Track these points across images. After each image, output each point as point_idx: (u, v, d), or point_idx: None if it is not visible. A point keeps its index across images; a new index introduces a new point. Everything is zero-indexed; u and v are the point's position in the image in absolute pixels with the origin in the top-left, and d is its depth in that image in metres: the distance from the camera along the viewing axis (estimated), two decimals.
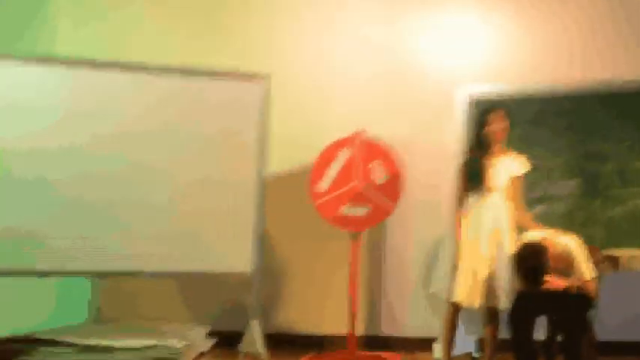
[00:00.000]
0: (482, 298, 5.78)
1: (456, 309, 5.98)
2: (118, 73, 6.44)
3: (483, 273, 5.78)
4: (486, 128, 5.88)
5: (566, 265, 5.52)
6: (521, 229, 5.92)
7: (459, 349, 6.34)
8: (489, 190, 5.84)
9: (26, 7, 7.17)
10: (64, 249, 6.19)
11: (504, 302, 5.75)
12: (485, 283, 5.77)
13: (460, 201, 5.96)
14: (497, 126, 5.86)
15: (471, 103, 6.63)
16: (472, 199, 5.89)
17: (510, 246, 5.72)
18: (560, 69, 6.95)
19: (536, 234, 5.63)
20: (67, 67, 6.38)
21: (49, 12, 7.33)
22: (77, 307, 7.17)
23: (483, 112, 5.99)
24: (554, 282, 5.40)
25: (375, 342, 7.07)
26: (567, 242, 5.58)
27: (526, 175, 6.00)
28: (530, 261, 5.36)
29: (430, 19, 7.38)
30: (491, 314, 5.90)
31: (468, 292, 5.79)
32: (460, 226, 5.92)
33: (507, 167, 5.92)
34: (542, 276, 5.33)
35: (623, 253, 6.30)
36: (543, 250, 5.37)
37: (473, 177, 5.88)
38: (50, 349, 6.10)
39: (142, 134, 6.39)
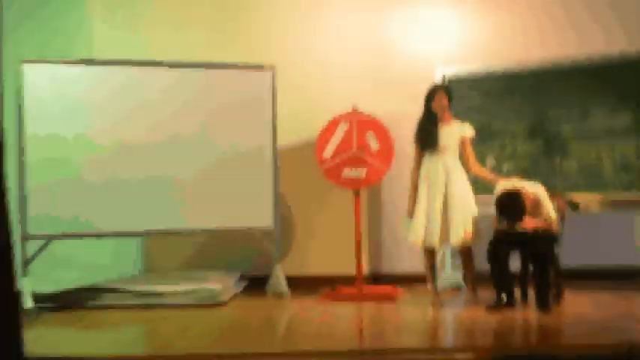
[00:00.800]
0: (434, 238, 6.00)
1: (430, 252, 6.20)
2: (153, 70, 6.49)
3: (435, 219, 5.98)
4: (433, 103, 6.08)
5: (535, 208, 5.65)
6: (484, 180, 6.18)
7: (446, 283, 6.41)
8: (440, 150, 6.02)
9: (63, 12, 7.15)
10: (119, 214, 6.34)
11: (460, 240, 5.98)
12: (435, 227, 5.98)
13: (417, 160, 6.17)
14: (440, 101, 6.07)
15: (445, 82, 6.72)
16: (426, 158, 6.09)
17: (458, 195, 5.99)
18: (524, 49, 6.90)
19: (510, 183, 5.77)
20: (108, 67, 6.43)
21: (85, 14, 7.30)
22: (131, 262, 7.26)
23: (430, 90, 6.17)
24: (526, 223, 5.58)
25: (377, 279, 7.16)
26: (535, 189, 5.74)
27: (497, 137, 6.10)
28: (512, 203, 5.54)
29: (409, 11, 7.30)
30: (461, 252, 6.13)
31: (426, 235, 6.02)
32: (416, 181, 6.15)
33: (454, 132, 6.11)
34: (522, 216, 5.53)
35: (579, 197, 6.34)
36: (521, 195, 5.54)
37: (425, 140, 6.09)
38: (112, 295, 6.23)
39: (178, 118, 6.49)
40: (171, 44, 7.04)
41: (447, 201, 5.99)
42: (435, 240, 5.99)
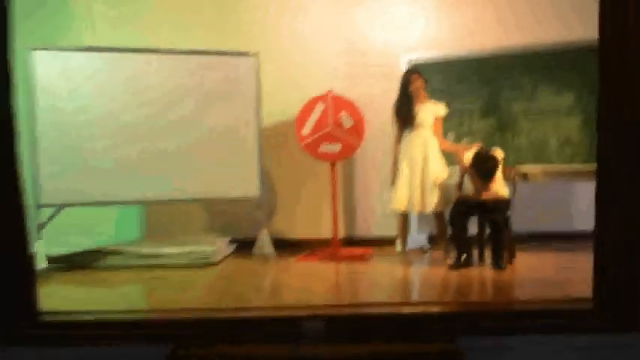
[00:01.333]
0: (416, 206, 6.13)
1: (404, 216, 6.30)
2: (150, 56, 6.45)
3: (415, 188, 6.08)
4: (410, 85, 6.14)
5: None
6: (448, 152, 6.27)
7: (413, 244, 6.46)
8: (417, 127, 6.10)
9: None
10: (121, 185, 6.33)
11: (435, 206, 6.10)
12: (416, 194, 6.09)
13: (397, 136, 6.26)
14: (417, 83, 6.17)
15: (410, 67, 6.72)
16: (406, 134, 6.17)
17: (434, 166, 6.12)
18: (480, 38, 6.84)
19: (479, 148, 5.87)
20: (110, 54, 6.38)
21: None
22: (133, 228, 7.24)
23: (406, 73, 6.28)
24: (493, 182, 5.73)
25: (352, 242, 7.16)
26: (497, 153, 5.81)
27: (456, 116, 6.18)
28: (486, 162, 5.67)
29: (379, 4, 7.20)
30: (435, 215, 6.21)
31: (404, 201, 6.14)
32: (398, 155, 6.23)
33: (429, 110, 6.18)
34: (494, 173, 5.68)
35: (528, 169, 6.39)
36: (494, 156, 5.69)
37: (405, 119, 6.15)
38: (114, 256, 6.23)
39: (172, 99, 6.45)
40: (166, 33, 6.98)
41: (424, 172, 6.09)
42: (415, 206, 6.13)
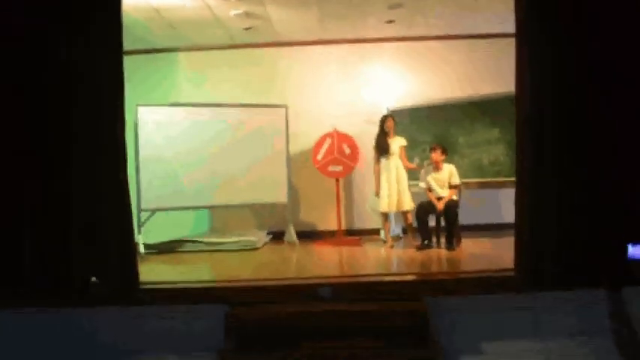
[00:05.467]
0: (394, 207, 6.05)
1: (385, 214, 6.20)
2: (216, 108, 6.50)
3: (393, 196, 6.00)
4: (385, 125, 6.10)
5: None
6: (410, 169, 6.21)
7: (391, 234, 6.38)
8: (389, 154, 6.05)
9: (161, 71, 7.12)
10: (196, 196, 6.32)
11: (408, 206, 6.02)
12: (393, 200, 6.00)
13: (376, 160, 6.16)
14: (389, 124, 6.11)
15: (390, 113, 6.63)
16: (382, 159, 6.09)
17: (403, 181, 6.07)
18: (436, 92, 6.80)
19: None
20: (189, 108, 6.46)
21: (177, 74, 7.21)
22: (204, 224, 7.20)
23: (383, 117, 6.20)
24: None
25: (351, 232, 7.02)
26: (451, 167, 5.87)
27: (420, 146, 6.14)
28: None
29: (368, 69, 7.18)
30: (404, 213, 6.11)
31: (386, 205, 6.03)
32: (378, 173, 6.13)
33: (397, 143, 6.11)
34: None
35: (470, 180, 6.35)
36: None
37: (382, 149, 6.08)
38: (190, 244, 6.22)
39: (230, 137, 6.43)
40: (225, 92, 6.95)
41: (398, 184, 6.02)
42: (392, 208, 6.06)
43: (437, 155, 5.86)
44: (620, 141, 3.69)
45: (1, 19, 3.70)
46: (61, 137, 3.75)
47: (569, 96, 3.71)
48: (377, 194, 6.20)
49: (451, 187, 5.83)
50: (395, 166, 6.05)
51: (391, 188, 6.02)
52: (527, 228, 3.82)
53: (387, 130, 6.11)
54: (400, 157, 6.13)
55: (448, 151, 6.02)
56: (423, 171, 6.04)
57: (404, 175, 6.09)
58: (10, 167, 3.73)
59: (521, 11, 3.86)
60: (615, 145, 3.69)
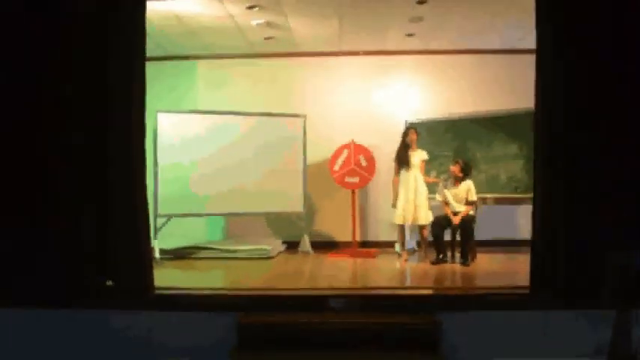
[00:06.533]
0: (409, 220, 6.02)
1: (402, 226, 6.18)
2: (234, 116, 6.53)
3: (409, 208, 5.97)
4: (407, 138, 6.06)
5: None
6: (429, 183, 6.15)
7: (406, 247, 6.36)
8: (410, 167, 6.01)
9: (181, 78, 7.22)
10: (211, 203, 6.37)
11: (424, 220, 5.97)
12: (408, 213, 5.97)
13: (396, 172, 6.13)
14: (412, 137, 6.07)
15: (407, 126, 6.63)
16: (402, 171, 6.06)
17: (421, 194, 6.00)
18: (454, 106, 6.75)
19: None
20: (207, 115, 6.48)
21: (197, 81, 7.29)
22: (218, 231, 7.22)
23: (405, 130, 6.19)
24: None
25: (365, 244, 7.00)
26: (469, 184, 5.83)
27: (437, 160, 6.13)
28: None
29: (387, 81, 7.19)
30: (420, 227, 6.08)
31: (401, 217, 6.01)
32: (397, 185, 6.09)
33: (418, 156, 6.07)
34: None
35: (486, 195, 6.34)
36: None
37: (402, 161, 6.04)
38: (205, 250, 6.25)
39: (248, 146, 6.48)
40: (243, 100, 7.00)
41: (415, 198, 5.98)
42: (407, 220, 6.03)
43: (456, 169, 5.88)
44: None
45: (25, 24, 3.78)
46: (83, 141, 3.81)
47: (589, 111, 3.69)
48: (393, 205, 6.20)
49: (467, 203, 5.83)
50: (414, 178, 6.01)
51: (407, 201, 6.00)
52: (543, 245, 3.80)
53: (409, 142, 6.09)
54: (421, 171, 6.11)
55: (471, 170, 6.00)
56: (441, 184, 6.05)
57: (423, 188, 6.04)
58: (29, 169, 3.80)
59: (542, 26, 3.87)
60: (637, 161, 3.64)
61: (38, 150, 3.79)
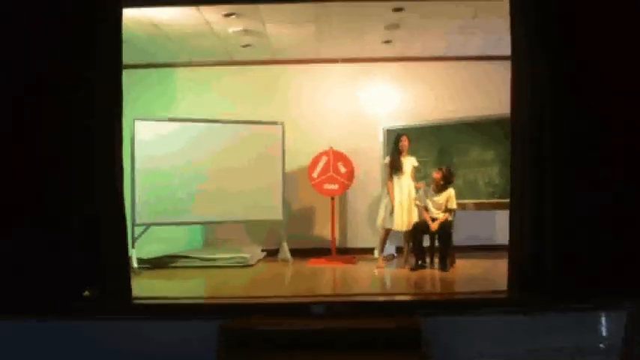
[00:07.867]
0: (405, 226, 5.95)
1: (387, 232, 6.13)
2: (212, 124, 6.53)
3: (405, 214, 5.95)
4: (399, 144, 6.05)
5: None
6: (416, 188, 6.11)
7: (385, 253, 6.38)
8: (402, 173, 6.01)
9: (159, 86, 7.17)
10: (189, 211, 6.34)
11: (411, 226, 5.91)
12: (405, 219, 5.95)
13: (390, 177, 6.06)
14: (404, 143, 6.05)
15: (385, 132, 6.79)
16: (395, 177, 6.02)
17: (413, 200, 5.99)
18: (433, 112, 6.87)
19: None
20: (186, 123, 6.45)
21: (175, 89, 7.23)
22: (197, 239, 7.17)
23: (397, 135, 6.14)
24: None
25: (344, 251, 6.99)
26: (450, 192, 5.86)
27: (418, 166, 6.12)
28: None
29: (366, 88, 7.24)
30: (407, 233, 6.03)
31: (401, 224, 5.95)
32: (392, 190, 6.01)
33: (409, 162, 6.07)
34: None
35: (465, 201, 6.40)
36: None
37: (395, 167, 6.02)
38: (184, 259, 6.21)
39: (226, 153, 6.47)
40: (221, 108, 6.96)
41: (409, 204, 5.99)
42: (404, 226, 5.97)
43: (438, 177, 5.88)
44: (617, 155, 3.71)
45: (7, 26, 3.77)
46: (58, 149, 3.79)
47: (565, 113, 3.76)
48: (392, 213, 6.07)
49: (446, 210, 5.87)
50: (407, 185, 6.03)
51: (403, 207, 5.98)
52: (519, 248, 3.86)
53: (400, 148, 6.08)
54: (412, 177, 6.12)
55: (453, 178, 6.02)
56: (421, 190, 6.05)
57: (413, 194, 6.05)
58: (5, 179, 3.76)
59: (516, 30, 3.95)
60: (613, 161, 3.71)
61: (11, 158, 3.75)
